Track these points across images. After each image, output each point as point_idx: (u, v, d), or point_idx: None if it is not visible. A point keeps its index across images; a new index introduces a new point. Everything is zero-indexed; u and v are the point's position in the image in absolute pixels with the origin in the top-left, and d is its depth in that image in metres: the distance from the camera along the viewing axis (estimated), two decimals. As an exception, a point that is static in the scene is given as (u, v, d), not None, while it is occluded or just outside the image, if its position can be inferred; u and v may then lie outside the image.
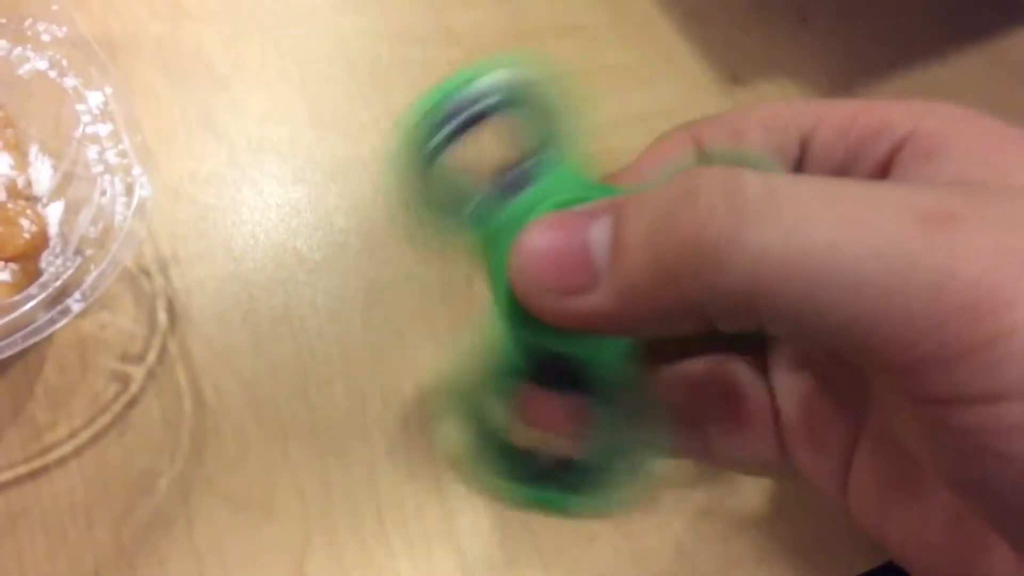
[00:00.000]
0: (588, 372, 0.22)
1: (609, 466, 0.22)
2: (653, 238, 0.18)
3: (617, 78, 0.41)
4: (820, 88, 0.42)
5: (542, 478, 0.22)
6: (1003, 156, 0.19)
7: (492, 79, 0.21)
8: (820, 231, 0.16)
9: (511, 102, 0.21)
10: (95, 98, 0.30)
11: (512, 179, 0.21)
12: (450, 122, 0.21)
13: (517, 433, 0.22)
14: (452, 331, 0.33)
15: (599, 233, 0.19)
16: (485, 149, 0.22)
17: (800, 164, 0.23)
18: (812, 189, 0.17)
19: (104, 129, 0.30)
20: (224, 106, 0.38)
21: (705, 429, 0.27)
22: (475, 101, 0.21)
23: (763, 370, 0.28)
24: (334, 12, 0.42)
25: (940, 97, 0.42)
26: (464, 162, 0.21)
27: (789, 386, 0.27)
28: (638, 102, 0.40)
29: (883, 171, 0.21)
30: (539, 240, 0.20)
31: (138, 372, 0.31)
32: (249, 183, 0.36)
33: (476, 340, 0.22)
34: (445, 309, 0.33)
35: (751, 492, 0.29)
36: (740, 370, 0.27)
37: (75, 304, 0.26)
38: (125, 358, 0.31)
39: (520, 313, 0.20)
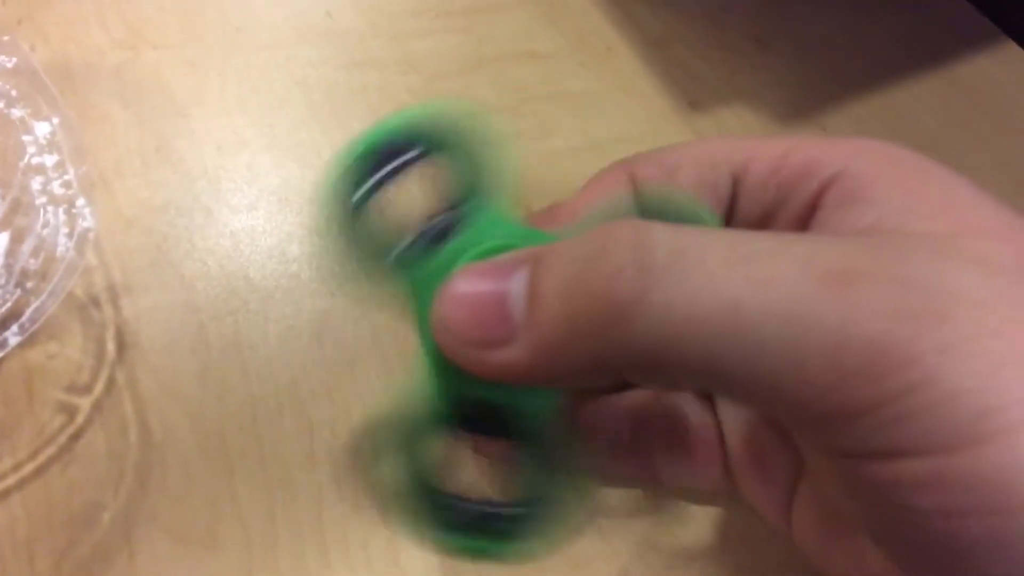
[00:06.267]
0: (514, 419, 0.22)
1: (535, 511, 0.22)
2: (565, 294, 0.18)
3: (575, 105, 0.41)
4: (778, 115, 0.42)
5: (471, 525, 0.21)
6: (924, 201, 0.19)
7: (418, 127, 0.21)
8: (724, 291, 0.16)
9: (438, 149, 0.21)
10: (42, 128, 0.30)
11: (439, 226, 0.21)
12: (378, 170, 0.21)
13: (447, 479, 0.22)
14: (403, 362, 0.32)
15: (517, 285, 0.19)
16: (415, 195, 0.22)
17: (732, 201, 0.23)
18: (719, 247, 0.17)
19: (50, 160, 0.30)
20: (181, 134, 0.38)
21: (652, 457, 0.27)
22: (402, 149, 0.21)
23: (709, 399, 0.28)
24: (293, 41, 0.42)
25: (899, 122, 0.43)
26: (393, 208, 0.21)
27: (734, 416, 0.27)
28: (596, 128, 0.40)
29: (810, 211, 0.21)
30: (459, 292, 0.20)
31: (84, 403, 0.31)
32: (203, 211, 0.36)
33: (409, 385, 0.22)
34: (396, 339, 0.33)
35: (699, 521, 0.29)
36: (686, 399, 0.28)
37: (12, 337, 0.26)
38: (72, 389, 0.31)
39: (445, 363, 0.20)
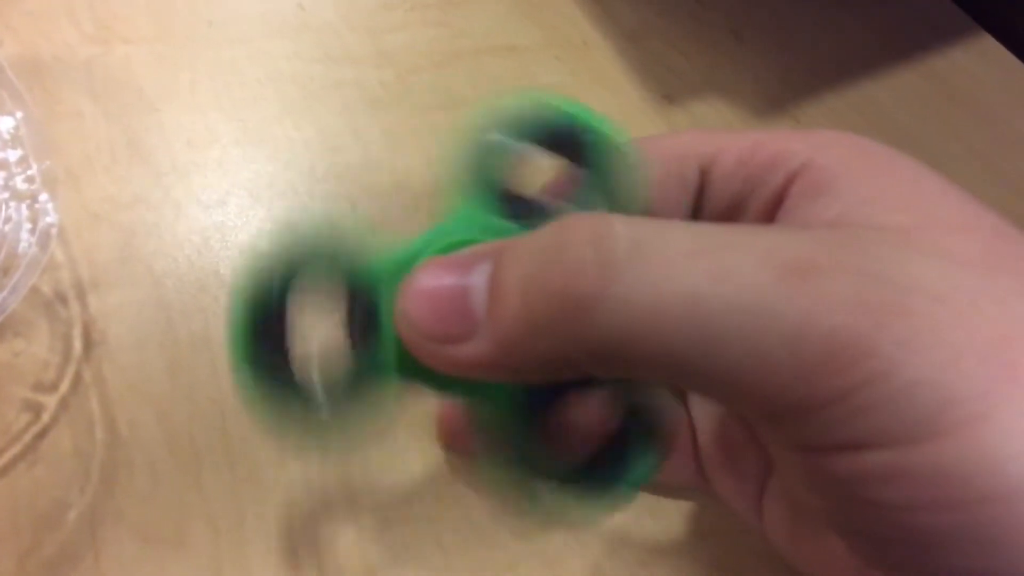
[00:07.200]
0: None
1: (644, 424, 0.22)
2: (525, 289, 0.18)
3: (551, 98, 0.41)
4: (754, 108, 0.42)
5: (604, 474, 0.21)
6: (889, 193, 0.19)
7: (263, 277, 0.20)
8: (684, 284, 0.16)
9: (298, 273, 0.21)
10: (5, 123, 0.30)
11: (362, 318, 0.21)
12: (269, 336, 0.20)
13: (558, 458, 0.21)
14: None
15: (479, 280, 0.19)
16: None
17: (700, 194, 0.23)
18: (679, 240, 0.17)
19: (13, 155, 0.29)
20: (152, 129, 0.38)
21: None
22: (270, 304, 0.20)
23: (681, 394, 0.28)
24: (266, 35, 0.42)
25: (875, 116, 0.43)
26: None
27: (706, 412, 0.27)
28: (571, 122, 0.40)
29: (777, 203, 0.21)
30: (422, 286, 0.19)
31: (50, 401, 0.30)
32: (173, 206, 0.35)
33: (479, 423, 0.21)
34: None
35: (671, 515, 0.29)
36: (658, 394, 0.27)
37: (-27, 335, 0.26)
38: (38, 387, 0.30)
39: (468, 383, 0.20)
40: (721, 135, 0.23)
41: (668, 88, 0.42)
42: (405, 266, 0.20)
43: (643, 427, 0.22)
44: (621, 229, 0.17)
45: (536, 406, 0.21)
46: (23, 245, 0.28)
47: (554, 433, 0.22)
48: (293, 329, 0.20)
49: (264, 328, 0.20)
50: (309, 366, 0.20)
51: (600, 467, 0.22)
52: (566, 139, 0.22)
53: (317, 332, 0.20)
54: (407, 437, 0.30)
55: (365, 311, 0.21)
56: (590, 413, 0.23)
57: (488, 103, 0.22)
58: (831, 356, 0.16)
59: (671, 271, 0.16)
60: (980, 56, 0.46)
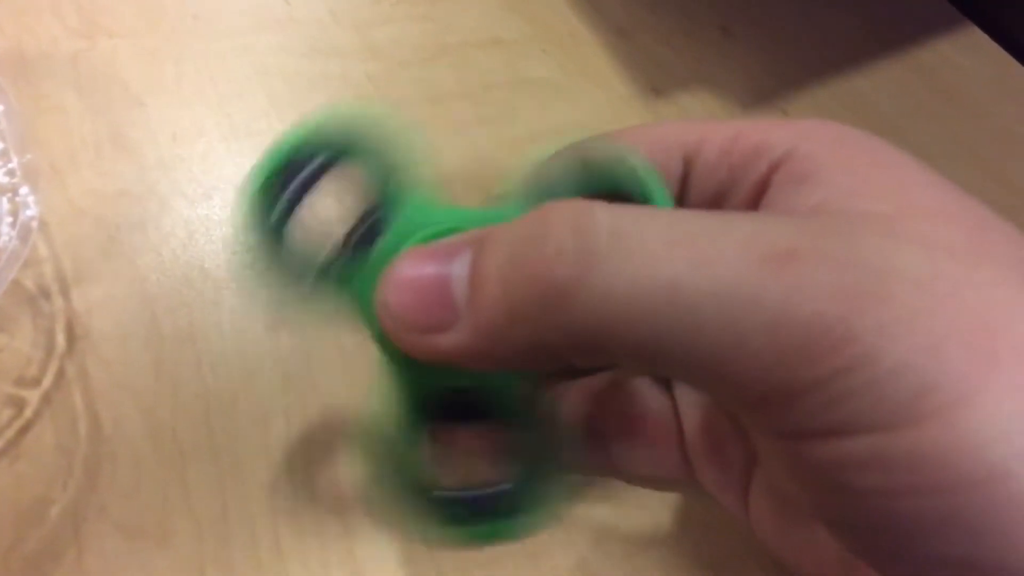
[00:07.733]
0: (489, 399, 0.21)
1: (532, 485, 0.21)
2: (505, 276, 0.18)
3: (538, 91, 0.41)
4: (742, 101, 0.42)
5: (475, 513, 0.21)
6: (870, 181, 0.19)
7: (319, 136, 0.20)
8: (664, 271, 0.16)
9: (344, 154, 0.21)
10: (-14, 117, 0.30)
11: (366, 230, 0.21)
12: (287, 188, 0.20)
13: (441, 475, 0.21)
14: (359, 351, 0.32)
15: (460, 268, 0.19)
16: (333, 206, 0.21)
17: (684, 183, 0.23)
18: (660, 227, 0.17)
19: (-7, 148, 0.29)
20: (137, 123, 0.38)
21: (609, 444, 0.27)
22: (307, 163, 0.20)
23: (667, 385, 0.27)
24: (253, 29, 0.42)
25: (862, 108, 0.43)
26: (315, 224, 0.20)
27: (691, 403, 0.27)
28: (558, 115, 0.40)
29: (761, 191, 0.21)
30: (403, 276, 0.19)
31: (33, 396, 0.30)
32: (158, 201, 0.35)
33: (376, 400, 0.21)
34: (353, 329, 0.32)
35: (656, 508, 0.29)
36: (644, 385, 0.27)
37: (-48, 328, 0.26)
38: (20, 382, 0.30)
39: (406, 360, 0.20)
40: (704, 125, 0.23)
41: (656, 82, 0.42)
42: (426, 219, 0.20)
43: (539, 485, 0.21)
44: (602, 216, 0.17)
45: (436, 419, 0.21)
46: (3, 239, 0.27)
47: (448, 451, 0.22)
48: (313, 195, 0.20)
49: (289, 178, 0.20)
50: (312, 238, 0.20)
51: (479, 503, 0.21)
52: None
53: (333, 210, 0.20)
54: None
55: (371, 228, 0.21)
56: (490, 446, 0.23)
57: (567, 141, 0.21)
58: (811, 342, 0.15)
59: (651, 258, 0.16)
60: (967, 49, 0.46)
